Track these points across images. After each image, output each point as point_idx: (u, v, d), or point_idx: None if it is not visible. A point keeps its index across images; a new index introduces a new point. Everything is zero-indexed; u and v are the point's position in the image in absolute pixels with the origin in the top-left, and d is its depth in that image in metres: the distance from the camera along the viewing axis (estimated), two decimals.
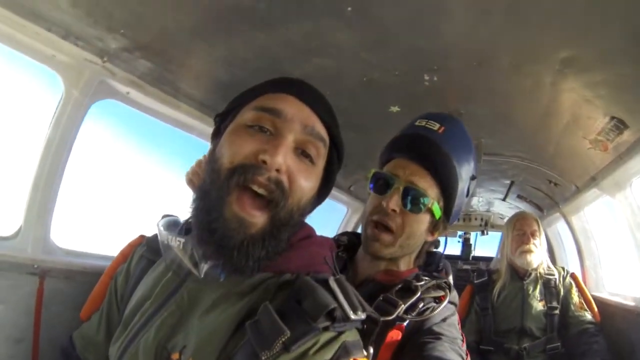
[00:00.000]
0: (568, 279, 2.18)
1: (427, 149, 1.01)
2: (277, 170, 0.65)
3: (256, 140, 0.67)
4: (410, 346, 0.90)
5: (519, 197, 3.15)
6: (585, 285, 2.29)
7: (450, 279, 1.22)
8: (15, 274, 1.11)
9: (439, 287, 1.03)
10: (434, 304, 0.99)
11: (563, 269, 2.26)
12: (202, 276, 0.67)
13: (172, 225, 0.80)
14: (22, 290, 1.11)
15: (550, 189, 2.53)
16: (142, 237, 0.94)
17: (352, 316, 0.62)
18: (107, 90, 1.30)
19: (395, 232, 1.02)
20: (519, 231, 2.18)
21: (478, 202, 3.78)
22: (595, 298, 2.23)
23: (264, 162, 0.64)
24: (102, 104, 1.29)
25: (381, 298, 0.94)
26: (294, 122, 0.69)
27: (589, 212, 2.42)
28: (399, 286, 0.99)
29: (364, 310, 0.65)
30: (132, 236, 0.96)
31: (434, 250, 3.76)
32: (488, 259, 4.23)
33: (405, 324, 0.93)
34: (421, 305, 0.96)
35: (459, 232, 4.72)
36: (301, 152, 0.69)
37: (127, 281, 0.86)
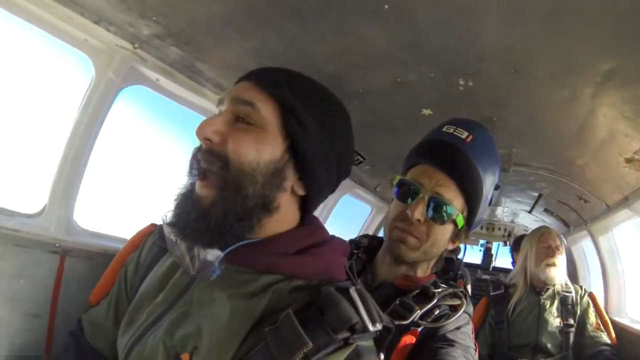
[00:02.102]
0: (586, 298, 2.14)
1: (455, 159, 1.01)
2: (209, 141, 0.67)
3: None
4: (423, 352, 0.90)
5: (546, 210, 3.11)
6: (607, 308, 2.26)
7: (469, 287, 1.20)
8: (38, 251, 1.15)
9: (455, 295, 1.03)
10: (450, 312, 0.99)
11: (581, 287, 2.22)
12: (193, 273, 0.69)
13: None
14: (43, 267, 1.15)
15: (579, 205, 2.48)
16: (153, 225, 0.95)
17: (371, 328, 0.63)
18: (137, 76, 1.32)
19: (421, 239, 1.02)
20: (544, 244, 2.14)
21: (503, 213, 3.74)
22: (615, 323, 2.17)
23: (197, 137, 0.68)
24: (130, 89, 1.32)
25: (398, 302, 0.95)
26: (229, 99, 0.71)
27: (617, 233, 2.35)
28: (416, 291, 1.00)
29: (381, 321, 0.65)
30: (151, 220, 0.97)
31: (454, 257, 3.71)
32: (508, 271, 4.20)
33: (420, 329, 0.94)
34: (437, 312, 0.97)
35: (481, 241, 4.66)
36: (237, 119, 0.70)
37: (137, 270, 0.88)
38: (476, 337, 2.11)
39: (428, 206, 1.00)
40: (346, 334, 0.61)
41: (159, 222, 0.94)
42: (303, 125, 0.71)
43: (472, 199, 1.03)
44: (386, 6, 1.02)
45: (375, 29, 1.14)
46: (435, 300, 0.97)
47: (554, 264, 2.10)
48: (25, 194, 1.39)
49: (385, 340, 0.71)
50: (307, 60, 1.31)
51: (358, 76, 1.38)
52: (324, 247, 0.76)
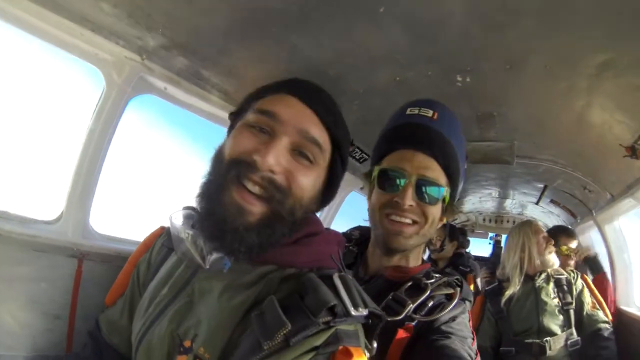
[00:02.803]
0: (579, 280, 2.20)
1: (430, 138, 1.00)
2: (272, 171, 0.69)
3: (254, 139, 0.72)
4: (420, 345, 0.91)
5: (552, 201, 3.12)
6: (615, 297, 2.31)
7: (479, 282, 1.20)
8: (57, 255, 1.20)
9: (449, 284, 1.02)
10: (445, 301, 0.98)
11: (572, 271, 2.28)
12: (208, 267, 0.72)
13: (188, 218, 0.83)
14: (62, 270, 1.20)
15: (585, 196, 2.49)
16: (162, 228, 1.00)
17: (353, 312, 0.65)
18: (145, 86, 1.37)
19: (419, 222, 1.01)
20: (541, 234, 2.23)
21: (511, 205, 3.76)
22: (623, 313, 2.22)
23: (256, 161, 0.68)
24: (140, 98, 1.36)
25: (390, 297, 0.95)
26: (289, 125, 0.72)
27: (623, 222, 2.37)
28: (409, 284, 1.00)
29: (366, 306, 0.67)
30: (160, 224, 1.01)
31: (463, 251, 3.73)
32: None
33: (414, 323, 0.93)
34: (430, 303, 0.96)
35: (490, 234, 4.67)
36: (299, 152, 0.73)
37: (148, 270, 0.92)
38: (476, 333, 2.17)
39: (417, 189, 0.99)
40: (327, 318, 0.63)
41: (163, 225, 1.00)
42: (342, 160, 0.81)
43: (452, 174, 1.03)
44: (382, 9, 1.06)
45: (372, 31, 1.17)
46: (428, 292, 0.97)
47: (552, 251, 2.20)
48: (43, 201, 1.45)
49: (376, 328, 0.72)
50: (309, 64, 1.34)
51: (358, 77, 1.42)
52: (316, 238, 0.80)
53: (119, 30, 1.20)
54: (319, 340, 0.63)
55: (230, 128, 0.84)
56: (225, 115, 1.64)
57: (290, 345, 0.61)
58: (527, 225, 2.28)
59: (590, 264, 2.50)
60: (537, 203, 3.30)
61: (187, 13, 1.14)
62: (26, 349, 1.11)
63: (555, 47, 1.16)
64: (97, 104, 1.29)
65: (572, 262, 2.49)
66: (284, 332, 0.60)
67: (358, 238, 1.17)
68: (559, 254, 2.33)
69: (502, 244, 4.87)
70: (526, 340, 2.07)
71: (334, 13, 1.09)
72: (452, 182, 1.04)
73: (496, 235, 4.94)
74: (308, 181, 0.73)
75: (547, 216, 3.50)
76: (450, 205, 1.06)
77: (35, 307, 1.14)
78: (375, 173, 1.05)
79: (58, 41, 1.18)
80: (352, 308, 0.65)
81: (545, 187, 2.77)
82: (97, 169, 1.32)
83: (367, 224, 1.15)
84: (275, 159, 0.69)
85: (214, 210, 0.70)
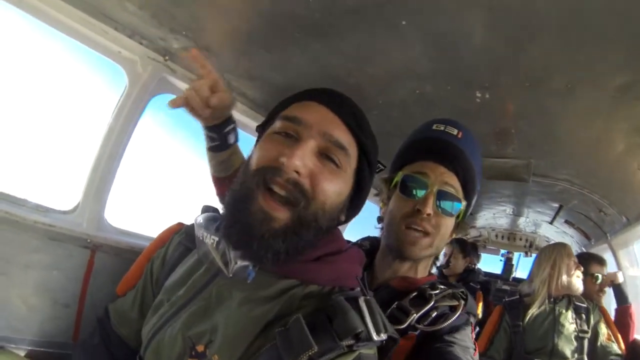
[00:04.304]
0: (597, 310, 2.24)
1: (454, 154, 1.04)
2: (298, 173, 0.69)
3: (280, 145, 0.73)
4: (422, 354, 0.91)
5: (567, 222, 3.10)
6: (632, 323, 2.30)
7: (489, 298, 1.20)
8: (71, 245, 1.24)
9: (453, 296, 1.03)
10: (449, 312, 0.99)
11: (591, 301, 2.31)
12: (231, 275, 0.73)
13: (211, 220, 0.84)
14: (75, 260, 1.24)
15: (600, 218, 2.48)
16: (180, 224, 1.00)
17: (375, 337, 0.67)
18: (166, 86, 1.41)
19: (432, 234, 1.03)
20: (573, 258, 2.28)
21: (525, 223, 3.73)
22: (635, 341, 2.22)
23: (282, 164, 0.69)
24: (160, 98, 1.40)
25: (395, 306, 0.96)
26: (314, 129, 0.73)
27: (638, 248, 2.35)
28: (414, 294, 1.00)
29: (386, 331, 0.70)
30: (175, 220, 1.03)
31: (473, 267, 3.73)
32: None
33: (416, 333, 0.94)
34: (434, 314, 0.97)
35: (502, 251, 4.63)
36: (325, 156, 0.74)
37: (163, 266, 0.93)
38: (491, 343, 2.17)
39: (437, 199, 1.02)
40: (350, 341, 0.65)
41: (184, 221, 1.01)
42: (370, 167, 0.81)
43: (469, 191, 1.06)
44: (404, 22, 1.08)
45: (394, 44, 1.19)
46: (432, 302, 0.98)
47: (580, 276, 2.25)
48: (59, 192, 1.50)
49: (390, 351, 0.75)
50: (329, 72, 1.36)
51: (378, 88, 1.43)
52: (339, 256, 0.81)
53: (143, 30, 1.24)
54: None
55: (258, 140, 0.85)
56: (243, 118, 1.68)
57: None
58: (562, 246, 2.34)
59: (616, 291, 2.49)
60: (551, 223, 3.27)
61: (211, 16, 1.18)
62: (33, 334, 1.15)
63: (575, 67, 1.17)
64: (118, 100, 1.34)
65: (598, 289, 2.50)
66: (310, 353, 0.62)
67: (368, 249, 1.16)
68: (589, 282, 2.37)
69: (514, 262, 4.81)
70: (535, 359, 2.08)
71: (357, 23, 1.11)
72: (468, 199, 1.07)
73: (508, 252, 4.89)
74: (333, 187, 0.74)
75: (561, 236, 3.46)
76: (463, 222, 1.10)
77: (46, 294, 1.18)
78: (398, 178, 1.08)
79: (83, 37, 1.24)
80: (375, 334, 0.67)
81: (561, 207, 2.75)
82: (115, 165, 1.37)
83: (376, 232, 1.17)
84: (301, 161, 0.69)
85: (240, 218, 0.70)
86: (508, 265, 4.86)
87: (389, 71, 1.35)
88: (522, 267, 4.78)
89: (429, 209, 1.00)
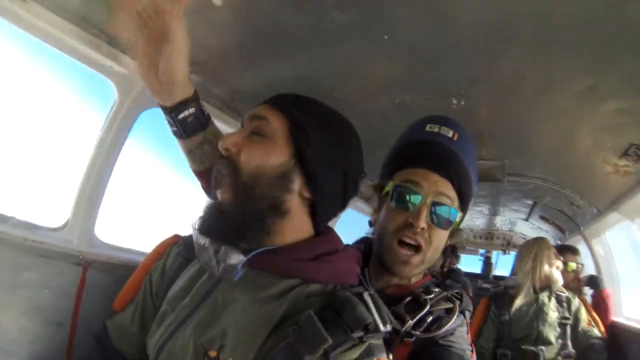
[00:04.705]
0: (577, 299, 2.40)
1: (449, 160, 0.99)
2: (227, 150, 0.79)
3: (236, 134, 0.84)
4: (419, 359, 0.92)
5: (542, 218, 3.24)
6: (609, 305, 2.49)
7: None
8: (61, 262, 1.21)
9: (448, 299, 1.02)
10: (444, 315, 0.99)
11: (571, 291, 2.48)
12: (218, 274, 0.77)
13: None
14: (66, 278, 1.21)
15: (573, 211, 2.63)
16: (176, 236, 1.01)
17: (382, 328, 0.71)
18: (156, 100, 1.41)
19: (424, 249, 0.98)
20: (552, 250, 2.43)
21: (501, 222, 3.85)
22: (613, 323, 2.39)
23: (221, 147, 0.81)
24: (150, 112, 1.39)
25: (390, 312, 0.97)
26: (247, 118, 0.85)
27: (609, 236, 2.54)
28: (409, 299, 0.99)
29: (390, 322, 0.75)
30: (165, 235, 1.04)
31: (455, 267, 3.83)
32: None
33: (412, 340, 0.94)
34: (430, 319, 0.96)
35: (481, 251, 4.76)
36: (252, 133, 0.81)
37: (162, 278, 0.92)
38: (480, 334, 2.27)
39: (431, 211, 0.97)
40: (360, 333, 0.70)
41: (181, 233, 1.02)
42: (306, 134, 0.81)
43: (465, 199, 1.02)
44: (385, 37, 1.14)
45: (377, 57, 1.25)
46: (428, 307, 0.96)
47: (560, 267, 2.41)
48: (46, 209, 1.47)
49: (394, 342, 0.80)
50: (314, 85, 1.40)
51: (361, 98, 1.50)
52: (337, 255, 0.84)
53: None
54: (354, 354, 0.70)
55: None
56: (230, 130, 1.70)
57: (330, 359, 0.67)
58: (541, 240, 2.48)
59: (591, 280, 2.66)
60: (526, 219, 3.41)
61: (203, 32, 1.19)
62: (24, 356, 1.11)
63: (544, 73, 1.26)
64: (107, 115, 1.33)
65: (574, 278, 2.66)
66: (325, 346, 0.66)
67: (363, 252, 1.09)
68: (564, 271, 2.50)
69: (492, 261, 4.96)
70: (523, 347, 2.23)
71: (342, 38, 1.17)
72: (464, 207, 1.04)
73: (486, 251, 5.03)
74: (256, 150, 0.79)
75: (537, 232, 3.62)
76: (457, 230, 1.06)
77: (37, 314, 1.15)
78: (389, 188, 1.03)
79: (74, 52, 1.22)
80: (382, 324, 0.72)
81: (535, 203, 2.88)
82: (105, 179, 1.35)
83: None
84: (229, 140, 0.80)
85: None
86: (487, 264, 4.99)
87: (371, 82, 1.42)
88: (501, 266, 4.94)
89: (423, 223, 0.96)
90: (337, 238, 0.88)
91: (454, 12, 1.02)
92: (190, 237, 0.94)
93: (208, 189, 1.06)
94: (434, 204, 0.98)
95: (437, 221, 0.98)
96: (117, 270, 1.32)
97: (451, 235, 1.05)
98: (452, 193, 1.00)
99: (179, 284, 0.87)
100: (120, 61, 1.28)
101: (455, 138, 1.01)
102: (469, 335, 1.04)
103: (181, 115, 0.95)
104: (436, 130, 1.01)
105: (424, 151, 1.01)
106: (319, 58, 1.29)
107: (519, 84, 1.33)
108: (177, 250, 0.96)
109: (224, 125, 1.64)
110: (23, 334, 1.12)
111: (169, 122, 0.98)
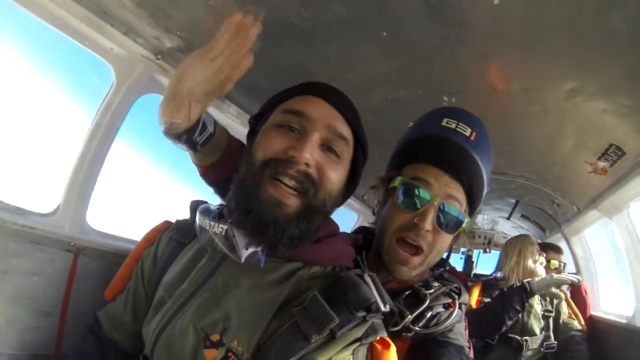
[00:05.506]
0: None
1: (463, 161, 0.94)
2: (307, 165, 0.76)
3: (286, 138, 0.78)
4: (417, 355, 0.92)
5: (523, 216, 3.33)
6: (586, 298, 2.61)
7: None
8: (53, 249, 1.20)
9: (447, 294, 1.02)
10: (443, 310, 0.99)
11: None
12: (243, 261, 0.75)
13: (207, 211, 0.87)
14: (57, 265, 1.20)
15: (553, 210, 2.73)
16: (166, 222, 1.02)
17: (383, 308, 0.75)
18: (156, 85, 1.41)
19: (425, 251, 0.95)
20: (536, 246, 2.52)
21: (483, 220, 3.92)
22: (592, 317, 2.52)
23: (293, 157, 0.75)
24: (146, 97, 1.40)
25: None
26: (318, 122, 0.79)
27: (589, 234, 2.66)
28: (407, 293, 0.99)
29: (390, 303, 0.78)
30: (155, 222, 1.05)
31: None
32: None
33: (411, 335, 0.94)
34: (429, 314, 0.96)
35: (462, 249, 4.86)
36: (327, 147, 0.80)
37: (154, 264, 0.93)
38: (480, 316, 2.31)
39: (438, 214, 0.93)
40: (363, 313, 0.74)
41: (167, 219, 1.03)
42: (365, 157, 0.90)
43: (474, 204, 0.99)
44: (384, 33, 1.19)
45: (374, 53, 1.30)
46: (427, 303, 0.96)
47: (544, 262, 2.50)
48: (36, 194, 1.43)
49: (391, 323, 0.84)
50: (311, 77, 1.38)
51: (357, 93, 1.48)
52: (335, 238, 0.89)
53: (139, 28, 1.25)
54: (359, 332, 0.73)
55: (251, 132, 0.91)
56: (228, 120, 1.71)
57: (336, 338, 0.70)
58: (525, 237, 2.59)
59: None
60: (508, 218, 3.50)
61: (207, 18, 1.20)
62: (12, 347, 1.09)
63: (531, 75, 1.33)
64: (104, 99, 1.32)
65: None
66: (332, 326, 0.69)
67: (361, 242, 1.06)
68: (547, 268, 2.61)
69: (474, 259, 5.08)
70: (509, 334, 2.32)
71: (342, 33, 1.21)
72: (472, 211, 1.01)
73: (467, 250, 5.15)
74: (336, 175, 0.81)
75: (518, 231, 3.72)
76: (462, 232, 1.01)
77: (26, 303, 1.13)
78: (396, 183, 0.98)
79: (74, 33, 1.21)
80: (382, 305, 0.75)
81: (517, 202, 2.98)
82: (99, 165, 1.34)
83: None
84: (310, 154, 0.76)
85: (252, 207, 0.75)
86: (468, 262, 5.09)
87: (367, 78, 1.46)
88: (482, 264, 5.05)
89: (428, 225, 0.92)
90: (333, 222, 0.92)
91: (451, 12, 1.08)
92: (183, 221, 0.96)
93: (215, 181, 1.05)
94: (442, 206, 0.94)
95: (444, 225, 0.95)
96: (109, 257, 1.31)
97: (455, 238, 1.02)
98: (462, 196, 0.96)
99: (175, 269, 0.87)
100: (122, 44, 1.28)
101: (472, 138, 0.95)
102: (467, 330, 1.04)
103: (197, 136, 0.91)
104: (453, 126, 0.95)
105: (438, 148, 0.96)
106: (317, 51, 1.32)
107: (507, 83, 1.40)
108: (170, 235, 0.96)
109: (218, 112, 1.65)
110: (11, 324, 1.10)
111: (180, 146, 0.93)
